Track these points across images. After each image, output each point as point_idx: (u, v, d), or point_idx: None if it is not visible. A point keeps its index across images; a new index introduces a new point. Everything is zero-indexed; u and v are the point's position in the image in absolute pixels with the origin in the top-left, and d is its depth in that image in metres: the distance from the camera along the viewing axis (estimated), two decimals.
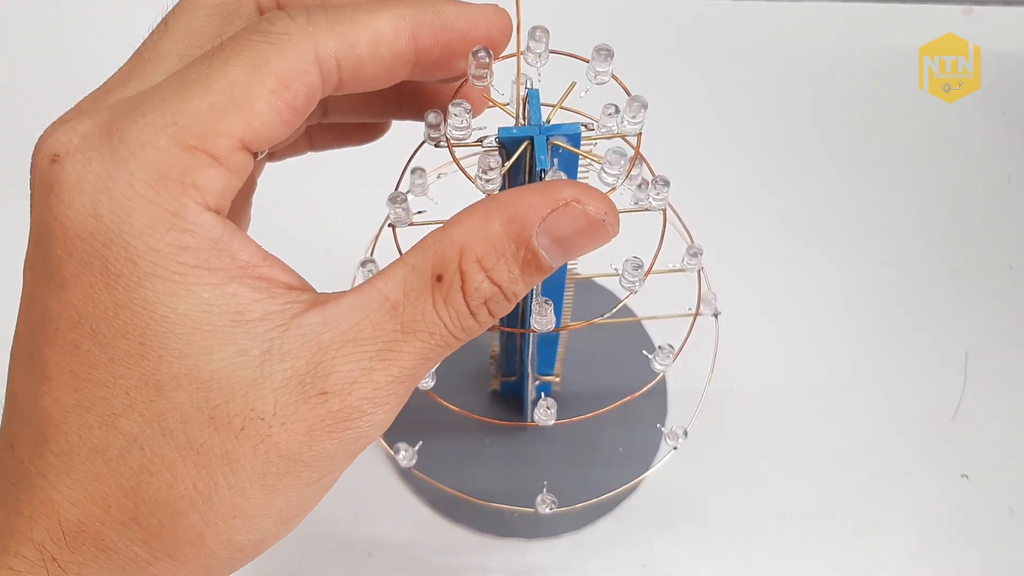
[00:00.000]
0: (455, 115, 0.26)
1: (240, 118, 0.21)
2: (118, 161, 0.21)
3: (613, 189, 0.27)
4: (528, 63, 0.27)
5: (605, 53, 0.27)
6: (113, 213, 0.20)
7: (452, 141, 0.27)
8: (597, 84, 0.27)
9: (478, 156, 0.26)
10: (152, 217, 0.20)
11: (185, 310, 0.21)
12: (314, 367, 0.21)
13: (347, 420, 0.22)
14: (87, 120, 0.21)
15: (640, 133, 0.27)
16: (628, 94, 0.27)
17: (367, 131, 0.32)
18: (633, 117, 0.27)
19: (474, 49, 0.25)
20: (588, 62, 0.27)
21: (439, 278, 0.22)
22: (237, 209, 0.30)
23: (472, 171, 0.26)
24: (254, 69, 0.21)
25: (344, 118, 0.30)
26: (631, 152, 0.27)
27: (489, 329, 0.29)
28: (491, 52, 0.25)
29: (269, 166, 0.30)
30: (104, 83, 0.24)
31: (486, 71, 0.26)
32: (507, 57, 0.27)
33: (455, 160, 0.27)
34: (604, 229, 0.23)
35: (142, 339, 0.21)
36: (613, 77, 0.28)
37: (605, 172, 0.27)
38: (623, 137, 0.27)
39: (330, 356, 0.21)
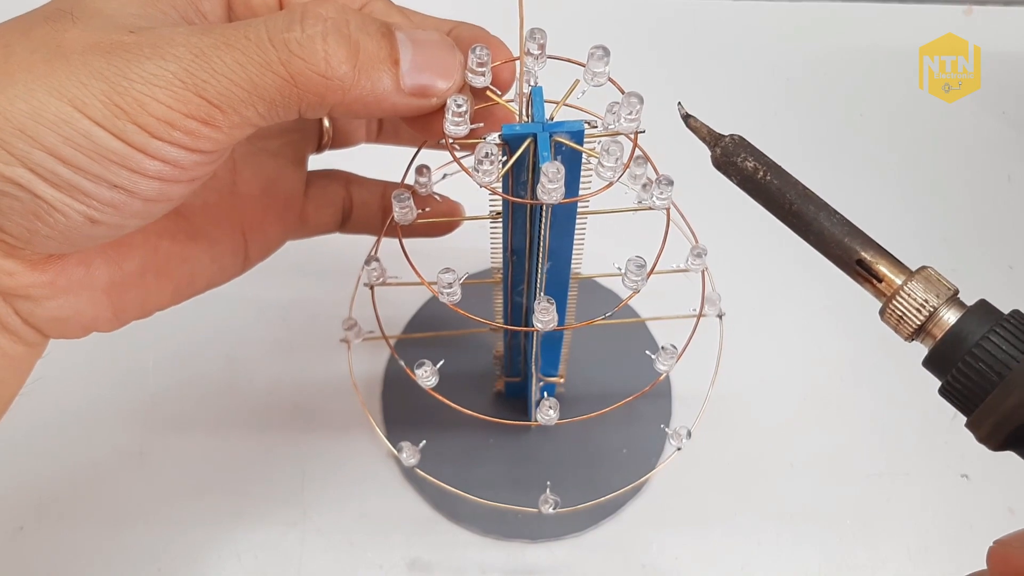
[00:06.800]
0: (453, 103, 0.26)
1: None
2: None
3: (611, 184, 0.27)
4: (527, 67, 0.27)
5: (601, 53, 0.27)
6: None
7: (449, 135, 0.27)
8: (594, 86, 0.27)
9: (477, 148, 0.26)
10: None
11: None
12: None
13: (125, 51, 0.23)
14: None
15: (640, 131, 0.27)
16: (622, 92, 0.27)
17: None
18: (629, 113, 0.27)
19: (472, 47, 0.25)
20: (584, 66, 0.27)
21: None
22: (296, 158, 0.35)
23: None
24: None
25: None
26: (627, 142, 0.27)
27: (492, 328, 0.30)
28: (488, 50, 0.26)
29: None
30: None
31: (485, 68, 0.26)
32: (507, 62, 0.27)
33: (451, 153, 0.27)
34: None
35: None
36: (609, 79, 0.28)
37: (601, 165, 0.27)
38: (624, 135, 0.27)
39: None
